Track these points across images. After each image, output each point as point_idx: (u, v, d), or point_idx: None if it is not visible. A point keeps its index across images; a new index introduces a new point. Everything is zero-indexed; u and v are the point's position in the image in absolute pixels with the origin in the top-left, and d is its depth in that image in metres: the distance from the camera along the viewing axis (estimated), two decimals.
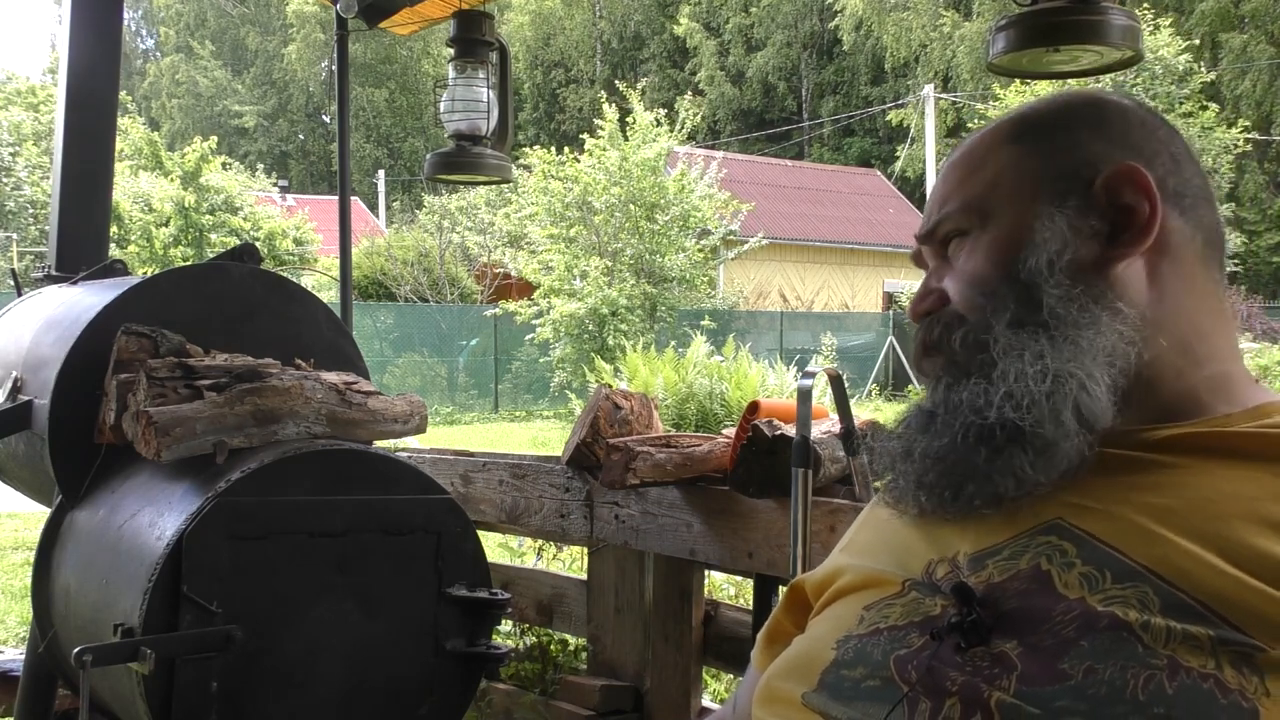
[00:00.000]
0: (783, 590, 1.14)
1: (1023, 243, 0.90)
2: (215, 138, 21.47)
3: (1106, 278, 0.89)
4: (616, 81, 17.63)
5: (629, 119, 17.05)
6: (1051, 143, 0.94)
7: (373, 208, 33.74)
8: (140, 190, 19.17)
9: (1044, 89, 18.87)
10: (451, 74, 3.11)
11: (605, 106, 17.14)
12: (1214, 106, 22.06)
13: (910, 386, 18.57)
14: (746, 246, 19.70)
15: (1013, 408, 0.84)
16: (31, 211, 20.80)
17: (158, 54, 47.41)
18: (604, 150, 16.91)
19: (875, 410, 13.29)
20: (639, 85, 18.00)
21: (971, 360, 0.89)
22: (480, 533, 2.12)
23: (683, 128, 18.22)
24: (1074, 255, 0.89)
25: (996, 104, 20.78)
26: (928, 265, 1.01)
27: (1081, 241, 0.89)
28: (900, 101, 33.59)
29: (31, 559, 2.20)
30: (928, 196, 1.04)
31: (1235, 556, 0.76)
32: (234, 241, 17.17)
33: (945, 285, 0.96)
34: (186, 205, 18.53)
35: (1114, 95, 0.98)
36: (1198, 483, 0.81)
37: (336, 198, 3.57)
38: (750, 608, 2.55)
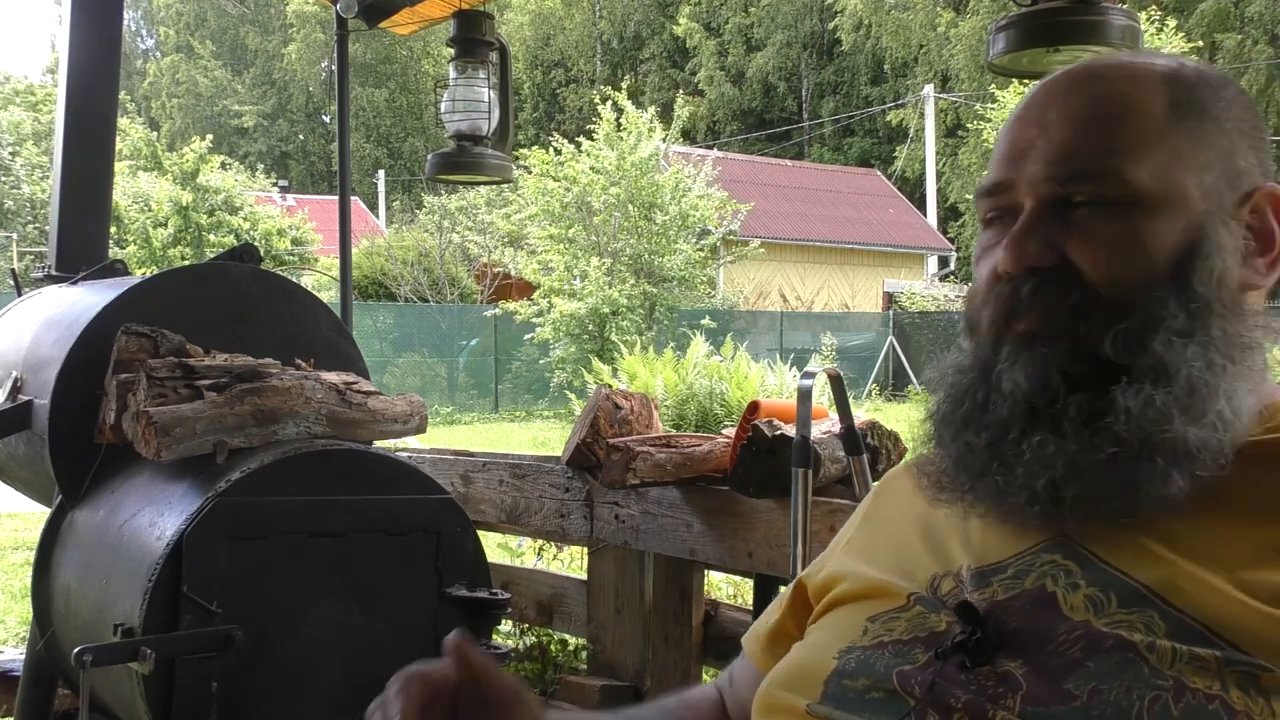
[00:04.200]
0: (784, 590, 1.11)
1: (1197, 246, 0.83)
2: (211, 136, 21.47)
3: (1245, 301, 0.86)
4: (606, 87, 17.54)
5: (622, 119, 17.03)
6: (1216, 135, 0.87)
7: (373, 208, 33.73)
8: (140, 190, 19.17)
9: None
10: (452, 74, 3.11)
11: (600, 105, 17.13)
12: None
13: (910, 387, 18.56)
14: (744, 252, 19.72)
15: (1191, 420, 0.79)
16: (31, 211, 20.80)
17: (158, 54, 47.41)
18: (599, 151, 16.90)
19: (875, 410, 13.28)
20: (623, 85, 17.96)
21: (1129, 362, 0.81)
22: (480, 533, 2.12)
23: (674, 125, 18.20)
24: (1234, 273, 0.84)
25: (996, 105, 20.79)
26: (1009, 202, 0.88)
27: (1236, 260, 0.85)
28: (900, 101, 33.60)
29: (31, 559, 2.20)
30: (1039, 123, 0.88)
31: (1243, 582, 0.75)
32: (233, 242, 17.18)
33: (1071, 245, 0.84)
34: (184, 205, 18.52)
35: (1239, 87, 0.93)
36: (1201, 503, 0.80)
37: (336, 198, 3.57)
38: (750, 607, 2.55)
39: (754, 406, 2.24)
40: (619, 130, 17.02)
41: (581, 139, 17.27)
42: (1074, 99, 0.88)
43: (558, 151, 17.33)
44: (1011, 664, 0.78)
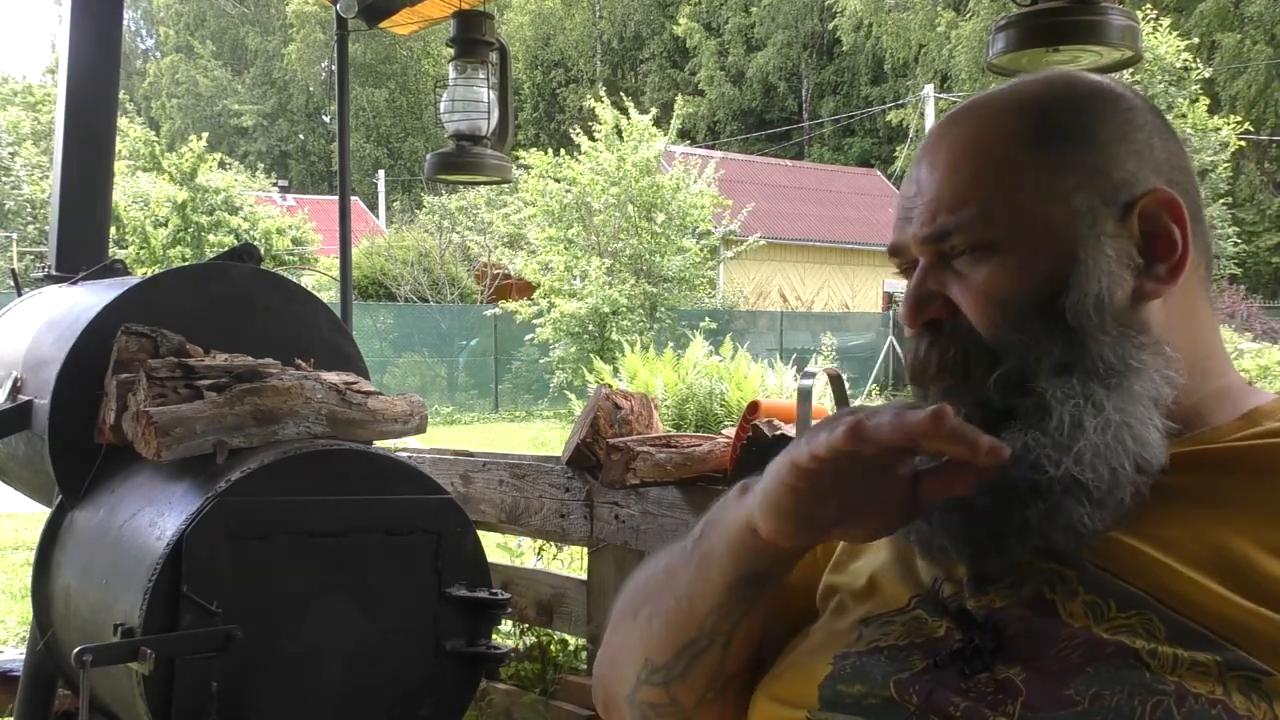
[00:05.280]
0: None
1: (1064, 276, 0.82)
2: (207, 134, 21.47)
3: (1140, 314, 0.84)
4: (599, 103, 17.52)
5: (620, 121, 17.03)
6: (1082, 154, 0.85)
7: (373, 208, 33.73)
8: (139, 190, 19.18)
9: None
10: (451, 74, 3.11)
11: (598, 107, 17.13)
12: (1205, 99, 22.07)
13: (910, 387, 18.55)
14: (744, 247, 19.70)
15: (1074, 461, 0.78)
16: (30, 211, 20.81)
17: (158, 54, 47.40)
18: (598, 152, 16.91)
19: None
20: (618, 91, 17.96)
21: (1013, 404, 0.82)
22: (480, 533, 2.12)
23: (673, 125, 18.20)
24: (1116, 292, 0.83)
25: None
26: (912, 260, 0.91)
27: (1121, 276, 0.83)
28: (900, 101, 33.60)
29: (31, 559, 2.20)
30: (916, 180, 0.90)
31: (1239, 582, 0.75)
32: (233, 241, 17.18)
33: (954, 295, 0.86)
34: (183, 204, 18.53)
35: (1125, 90, 0.90)
36: (1197, 507, 0.80)
37: (336, 198, 3.57)
38: None
39: (754, 406, 2.24)
40: (619, 135, 17.03)
41: (582, 139, 17.27)
42: (940, 149, 0.89)
43: (556, 153, 17.34)
44: (1011, 671, 0.77)
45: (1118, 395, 0.80)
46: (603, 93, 18.15)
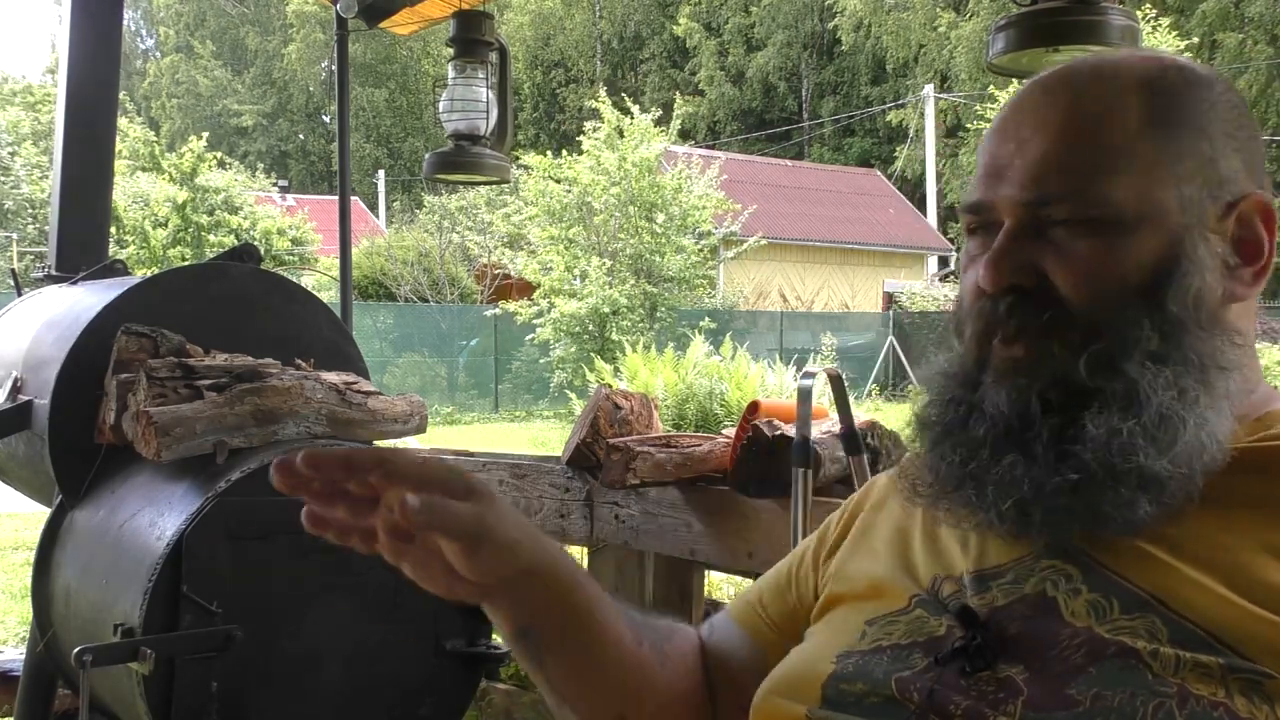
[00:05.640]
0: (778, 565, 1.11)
1: (1170, 264, 0.81)
2: (207, 134, 21.48)
3: (1225, 314, 0.84)
4: (602, 99, 17.52)
5: (621, 121, 17.03)
6: (1196, 142, 0.84)
7: (373, 208, 33.73)
8: (139, 190, 19.18)
9: None
10: (451, 74, 3.11)
11: (601, 107, 17.13)
12: None
13: (910, 387, 18.55)
14: (745, 247, 19.70)
15: (1159, 452, 0.78)
16: (31, 211, 20.81)
17: (158, 54, 47.40)
18: (599, 152, 16.91)
19: (875, 410, 13.28)
20: (620, 91, 17.95)
21: (1100, 385, 0.80)
22: None
23: (673, 125, 18.20)
24: (1215, 289, 0.82)
25: (996, 105, 20.79)
26: (992, 219, 0.87)
27: (1218, 273, 0.83)
28: (900, 101, 33.60)
29: (31, 559, 2.20)
30: (1016, 136, 0.86)
31: (1243, 587, 0.75)
32: (233, 241, 17.18)
33: (1047, 264, 0.83)
34: (182, 204, 18.53)
35: (1230, 85, 0.88)
36: (1208, 508, 0.80)
37: (336, 198, 3.57)
38: None
39: (754, 406, 2.24)
40: (620, 135, 17.03)
41: (583, 138, 17.27)
42: (1048, 112, 0.86)
43: (557, 153, 17.34)
44: (1013, 670, 0.77)
45: (1207, 393, 0.80)
46: (603, 93, 18.14)
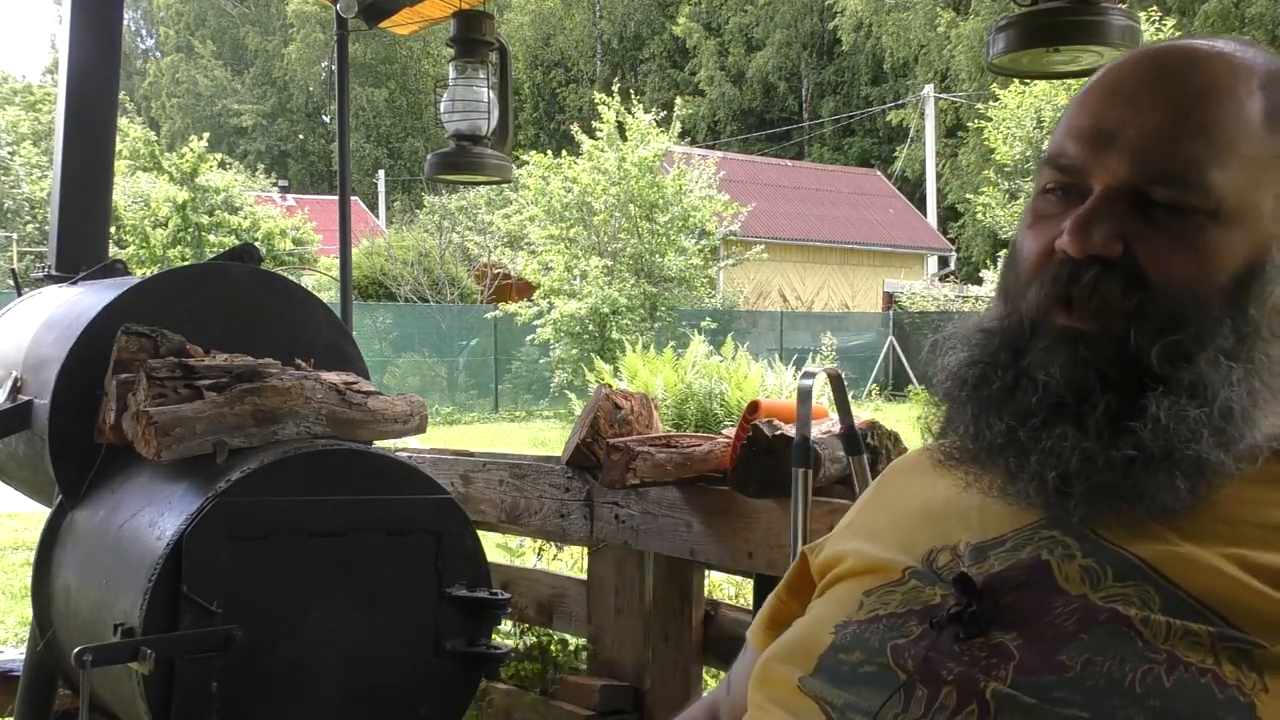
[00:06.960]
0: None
1: (1259, 269, 0.81)
2: (207, 134, 21.48)
3: None
4: (604, 96, 17.51)
5: (623, 117, 17.03)
6: None
7: (373, 208, 33.74)
8: (139, 190, 19.18)
9: (1044, 89, 18.87)
10: (452, 74, 3.11)
11: (602, 108, 17.13)
12: None
13: (910, 387, 18.56)
14: (746, 256, 19.75)
15: (1218, 443, 0.78)
16: (30, 210, 20.81)
17: (158, 54, 47.40)
18: (600, 151, 16.91)
19: (875, 410, 13.28)
20: (616, 90, 17.94)
21: (1169, 373, 0.79)
22: (480, 533, 2.12)
23: (673, 125, 18.21)
24: None
25: (995, 105, 20.79)
26: (1079, 182, 0.84)
27: None
28: (900, 101, 33.61)
29: (31, 559, 2.20)
30: (1132, 102, 0.83)
31: (1240, 559, 0.76)
32: (233, 242, 17.18)
33: (1141, 243, 0.81)
34: (182, 204, 18.53)
35: None
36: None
37: (336, 198, 3.57)
38: (750, 608, 2.55)
39: (754, 406, 2.24)
40: (621, 133, 17.03)
41: (584, 138, 17.26)
42: (1171, 87, 0.82)
43: (557, 154, 17.34)
44: (1006, 636, 0.78)
45: (1271, 397, 0.81)
46: (614, 89, 18.12)
